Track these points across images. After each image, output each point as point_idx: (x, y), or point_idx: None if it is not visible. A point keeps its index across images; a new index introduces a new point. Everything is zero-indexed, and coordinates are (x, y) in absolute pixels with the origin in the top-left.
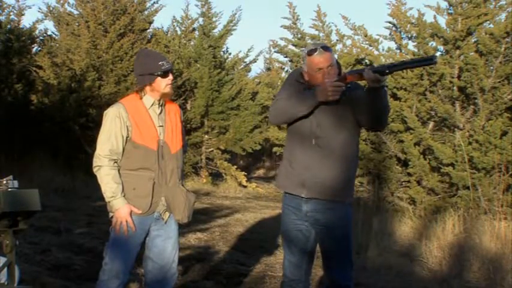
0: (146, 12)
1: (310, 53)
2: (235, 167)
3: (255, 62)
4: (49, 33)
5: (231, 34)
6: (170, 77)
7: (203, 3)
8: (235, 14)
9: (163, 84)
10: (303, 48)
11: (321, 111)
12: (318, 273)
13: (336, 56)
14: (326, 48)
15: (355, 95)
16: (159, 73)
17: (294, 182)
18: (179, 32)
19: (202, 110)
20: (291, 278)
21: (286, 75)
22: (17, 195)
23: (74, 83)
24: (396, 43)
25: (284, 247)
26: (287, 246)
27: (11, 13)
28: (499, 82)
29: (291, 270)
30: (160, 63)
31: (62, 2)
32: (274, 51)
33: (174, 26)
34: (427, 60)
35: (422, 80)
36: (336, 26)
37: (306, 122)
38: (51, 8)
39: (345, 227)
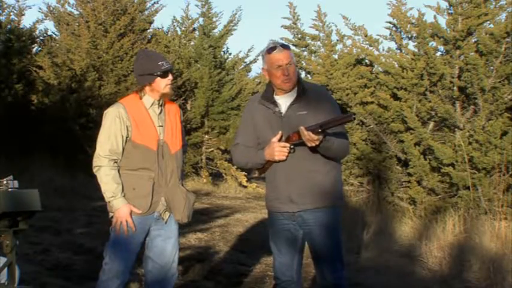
0: (146, 12)
1: (270, 50)
2: (236, 167)
3: (255, 62)
4: (49, 33)
5: (231, 34)
6: (170, 77)
7: (203, 3)
8: (236, 14)
9: (163, 84)
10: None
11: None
12: (310, 272)
13: (293, 55)
14: (285, 46)
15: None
16: (159, 73)
17: (282, 199)
18: (179, 32)
19: (202, 110)
20: (282, 279)
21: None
22: (17, 195)
23: (74, 83)
24: (396, 43)
25: (273, 248)
26: (276, 247)
27: (11, 13)
28: (499, 82)
29: (282, 271)
30: (159, 63)
31: (62, 2)
32: None
33: (174, 26)
34: (349, 117)
35: (422, 80)
36: (336, 26)
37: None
38: (51, 8)
39: (334, 226)
